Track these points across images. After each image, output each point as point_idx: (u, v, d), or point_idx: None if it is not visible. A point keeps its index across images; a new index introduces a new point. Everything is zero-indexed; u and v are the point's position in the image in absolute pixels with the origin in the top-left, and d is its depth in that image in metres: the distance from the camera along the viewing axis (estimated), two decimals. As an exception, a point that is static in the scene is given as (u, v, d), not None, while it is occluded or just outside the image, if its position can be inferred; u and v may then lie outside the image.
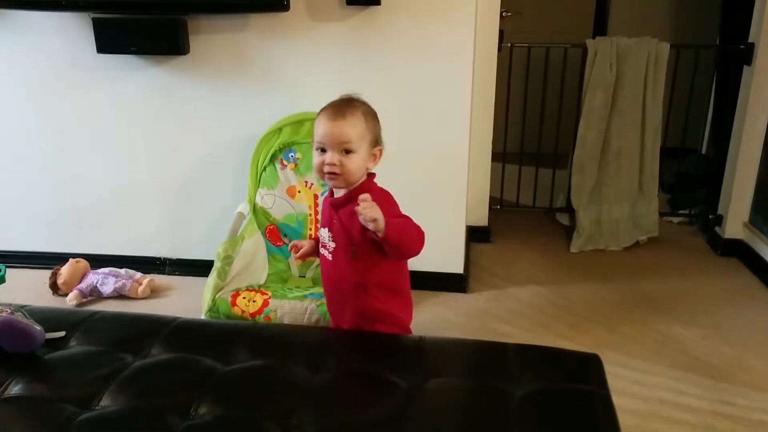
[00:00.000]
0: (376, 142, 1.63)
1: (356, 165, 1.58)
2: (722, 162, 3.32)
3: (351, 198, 1.58)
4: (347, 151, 1.56)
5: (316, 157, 1.60)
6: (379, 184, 1.66)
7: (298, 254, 1.77)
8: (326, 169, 1.57)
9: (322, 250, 1.70)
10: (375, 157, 1.64)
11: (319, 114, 1.62)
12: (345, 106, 1.60)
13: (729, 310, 2.73)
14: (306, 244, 1.78)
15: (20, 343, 1.45)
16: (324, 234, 1.68)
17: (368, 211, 1.45)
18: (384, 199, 1.58)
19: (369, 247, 1.58)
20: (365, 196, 1.48)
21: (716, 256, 3.28)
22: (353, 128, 1.57)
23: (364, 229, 1.52)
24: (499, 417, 1.28)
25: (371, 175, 1.66)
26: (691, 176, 3.78)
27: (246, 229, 2.47)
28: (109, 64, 2.73)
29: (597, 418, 1.30)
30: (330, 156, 1.56)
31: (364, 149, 1.59)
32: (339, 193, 1.65)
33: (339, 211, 1.63)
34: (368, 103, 1.65)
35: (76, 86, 2.80)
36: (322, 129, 1.58)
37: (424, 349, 1.54)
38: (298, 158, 2.54)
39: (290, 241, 2.55)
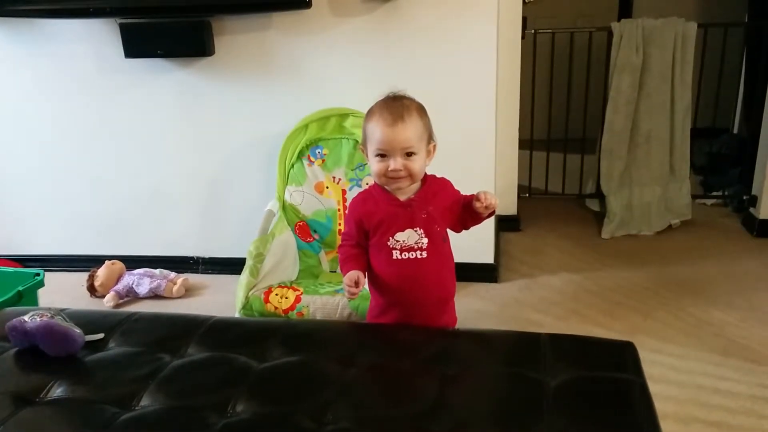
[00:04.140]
0: (431, 137, 1.62)
1: (419, 165, 1.58)
2: (755, 141, 3.25)
3: (430, 189, 1.64)
4: (409, 154, 1.55)
5: (376, 164, 1.57)
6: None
7: (359, 288, 1.59)
8: (391, 175, 1.55)
9: (406, 254, 1.61)
10: (430, 153, 1.63)
11: (371, 118, 1.58)
12: (399, 107, 1.55)
13: (766, 292, 2.68)
14: (358, 275, 1.60)
15: (61, 347, 1.49)
16: (408, 235, 1.61)
17: (494, 197, 1.58)
18: (450, 183, 1.70)
19: (446, 231, 1.68)
20: (484, 193, 1.58)
21: (751, 237, 3.21)
22: (413, 131, 1.54)
23: (447, 212, 1.64)
24: (534, 407, 1.28)
25: None
26: (723, 156, 3.71)
27: (276, 226, 2.49)
28: (137, 68, 2.77)
29: (633, 406, 1.29)
30: (394, 162, 1.54)
31: (423, 148, 1.58)
32: (404, 194, 1.62)
33: (426, 205, 1.62)
34: (414, 98, 1.62)
35: (106, 91, 2.85)
36: (381, 135, 1.54)
37: (457, 340, 1.55)
38: (325, 154, 2.55)
39: (320, 237, 2.58)
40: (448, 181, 1.70)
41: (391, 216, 1.62)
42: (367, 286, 1.70)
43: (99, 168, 2.99)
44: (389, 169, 1.55)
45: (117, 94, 2.85)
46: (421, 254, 1.62)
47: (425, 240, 1.61)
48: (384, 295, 1.69)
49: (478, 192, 1.59)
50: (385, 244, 1.62)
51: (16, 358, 1.51)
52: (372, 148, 1.58)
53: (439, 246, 1.64)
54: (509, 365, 1.44)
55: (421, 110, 1.60)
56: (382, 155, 1.56)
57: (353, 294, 1.59)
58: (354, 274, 1.59)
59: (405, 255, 1.62)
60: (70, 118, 2.92)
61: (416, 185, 1.63)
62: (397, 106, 1.56)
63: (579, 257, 3.08)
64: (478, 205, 1.58)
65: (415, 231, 1.61)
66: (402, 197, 1.62)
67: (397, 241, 1.61)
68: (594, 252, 3.13)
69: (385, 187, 1.62)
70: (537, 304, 2.67)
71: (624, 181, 3.32)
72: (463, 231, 1.71)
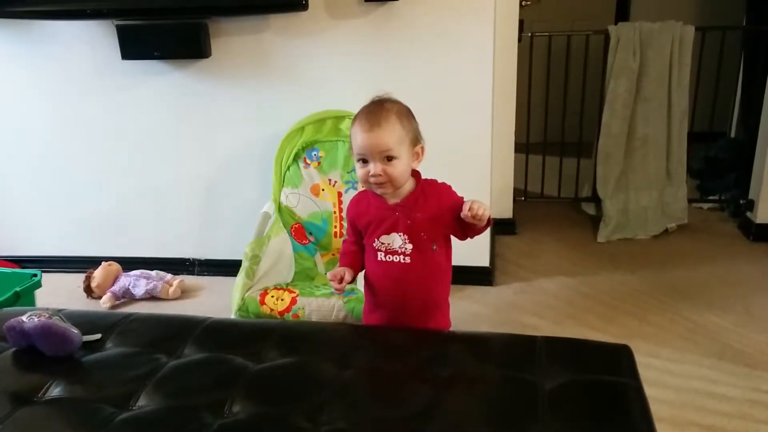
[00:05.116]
0: (416, 140, 1.60)
1: (401, 170, 1.56)
2: (752, 145, 3.26)
3: (422, 195, 1.61)
4: (389, 158, 1.54)
5: (359, 168, 1.58)
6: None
7: (342, 284, 1.63)
8: (372, 180, 1.55)
9: (390, 257, 1.63)
10: (418, 156, 1.62)
11: (353, 123, 1.58)
12: (378, 112, 1.55)
13: (762, 296, 2.68)
14: (344, 272, 1.64)
15: (58, 347, 1.49)
16: (392, 239, 1.62)
17: (483, 208, 1.53)
18: (448, 190, 1.65)
19: (443, 238, 1.66)
20: (471, 203, 1.54)
21: (748, 241, 3.22)
22: (391, 135, 1.53)
23: (437, 220, 1.60)
24: (529, 410, 1.28)
25: (416, 173, 1.64)
26: (720, 161, 3.72)
27: (272, 228, 2.49)
28: (134, 69, 2.78)
29: (629, 409, 1.29)
30: (373, 167, 1.54)
31: (405, 152, 1.56)
32: (394, 197, 1.61)
33: (412, 212, 1.60)
34: (400, 101, 1.61)
35: (103, 93, 2.85)
36: (359, 140, 1.54)
37: (452, 343, 1.55)
38: (321, 156, 2.55)
39: (316, 240, 2.59)
40: (447, 187, 1.66)
41: (378, 218, 1.63)
42: (363, 285, 1.74)
43: (96, 169, 2.98)
44: (369, 174, 1.55)
45: (114, 95, 2.85)
46: (404, 259, 1.62)
47: (409, 246, 1.61)
48: (372, 293, 1.72)
49: (465, 201, 1.57)
50: (371, 244, 1.65)
51: (14, 358, 1.51)
52: (354, 153, 1.59)
53: (425, 253, 1.63)
54: (504, 368, 1.44)
55: (403, 113, 1.58)
56: (364, 160, 1.56)
57: (336, 290, 1.63)
58: (340, 270, 1.64)
59: (389, 258, 1.63)
60: (67, 119, 2.92)
61: (407, 189, 1.62)
62: (376, 110, 1.56)
63: (575, 261, 3.08)
64: (463, 214, 1.55)
65: (399, 236, 1.61)
66: (390, 201, 1.62)
67: (382, 243, 1.63)
68: (590, 256, 3.13)
69: (347, 180, 1.63)
70: (532, 307, 2.68)
71: (620, 184, 3.33)
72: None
